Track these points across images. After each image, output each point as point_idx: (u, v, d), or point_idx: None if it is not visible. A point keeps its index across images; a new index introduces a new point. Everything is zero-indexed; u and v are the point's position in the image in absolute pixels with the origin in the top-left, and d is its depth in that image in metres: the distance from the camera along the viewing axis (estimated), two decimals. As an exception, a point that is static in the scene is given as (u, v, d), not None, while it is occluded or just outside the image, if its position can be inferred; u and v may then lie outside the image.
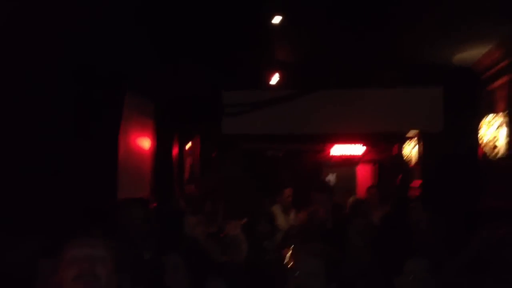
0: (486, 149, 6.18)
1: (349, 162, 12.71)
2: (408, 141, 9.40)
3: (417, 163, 8.88)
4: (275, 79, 7.54)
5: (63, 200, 4.07)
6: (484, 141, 6.21)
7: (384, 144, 11.41)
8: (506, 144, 5.80)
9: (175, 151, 7.77)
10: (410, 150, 9.22)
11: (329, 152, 12.50)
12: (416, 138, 8.97)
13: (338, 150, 12.33)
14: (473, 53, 6.25)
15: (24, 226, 3.52)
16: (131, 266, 3.08)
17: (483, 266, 3.34)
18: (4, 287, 2.98)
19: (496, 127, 5.99)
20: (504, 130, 5.85)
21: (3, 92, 3.60)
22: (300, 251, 3.58)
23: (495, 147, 6.00)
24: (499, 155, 5.92)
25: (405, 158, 9.50)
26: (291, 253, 4.36)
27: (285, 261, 4.48)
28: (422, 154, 8.59)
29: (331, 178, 12.90)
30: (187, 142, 8.59)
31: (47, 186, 4.01)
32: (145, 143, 6.76)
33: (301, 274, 3.02)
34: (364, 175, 12.83)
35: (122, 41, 4.90)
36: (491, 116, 6.13)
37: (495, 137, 6.01)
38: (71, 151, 4.42)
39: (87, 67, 4.57)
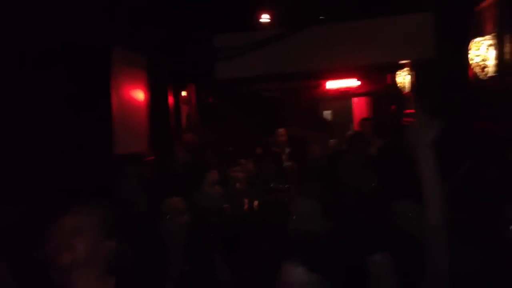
0: (477, 70, 6.21)
1: (345, 95, 12.71)
2: (400, 69, 9.39)
3: (410, 91, 8.90)
4: (265, 18, 7.47)
5: (59, 159, 4.16)
6: (474, 63, 6.23)
7: (378, 75, 11.39)
8: (495, 64, 5.84)
9: (170, 101, 7.77)
10: (403, 78, 9.23)
11: (325, 87, 12.50)
12: (408, 66, 8.96)
13: (333, 84, 12.33)
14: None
15: (21, 186, 3.61)
16: (126, 223, 3.15)
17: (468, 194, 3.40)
18: None
19: (485, 48, 6.00)
20: (492, 51, 5.87)
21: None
22: (295, 193, 3.58)
23: (484, 67, 6.03)
24: (489, 75, 5.96)
25: (398, 87, 9.51)
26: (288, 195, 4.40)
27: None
28: (415, 82, 8.61)
29: (327, 114, 12.95)
30: (182, 91, 8.59)
31: (43, 146, 4.09)
32: (140, 95, 6.77)
33: (298, 217, 3.01)
34: (360, 107, 12.85)
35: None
36: (480, 37, 6.12)
37: (484, 58, 6.03)
38: (63, 110, 4.47)
39: (73, 25, 4.55)
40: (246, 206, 4.88)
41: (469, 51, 6.31)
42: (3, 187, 3.46)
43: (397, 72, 9.49)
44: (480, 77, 6.12)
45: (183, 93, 8.66)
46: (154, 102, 7.06)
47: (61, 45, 4.36)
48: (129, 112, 6.18)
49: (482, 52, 6.07)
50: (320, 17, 7.59)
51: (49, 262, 2.08)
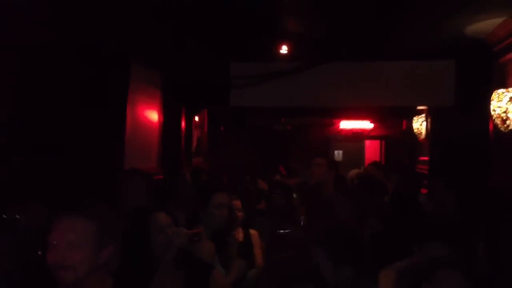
0: (497, 122, 6.09)
1: (358, 137, 12.64)
2: (417, 116, 9.30)
3: (425, 138, 8.79)
4: (284, 50, 7.44)
5: (71, 171, 4.08)
6: (496, 114, 6.12)
7: (393, 119, 11.32)
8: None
9: (183, 123, 7.73)
10: (419, 125, 9.13)
11: (338, 127, 12.44)
12: (425, 113, 8.88)
13: (347, 124, 12.26)
14: (487, 24, 6.11)
15: (32, 197, 3.53)
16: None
17: None
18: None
19: (507, 100, 5.90)
20: (515, 104, 5.77)
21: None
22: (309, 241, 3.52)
23: (506, 119, 5.92)
24: (510, 127, 5.85)
25: (414, 133, 9.41)
26: None
27: None
28: (431, 129, 8.50)
29: (338, 153, 12.87)
30: (195, 115, 8.54)
31: (56, 157, 4.02)
32: (153, 114, 6.72)
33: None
34: (372, 150, 12.76)
35: (127, 12, 4.84)
36: (502, 89, 6.03)
37: (506, 110, 5.92)
38: (79, 123, 4.41)
39: (93, 39, 4.52)
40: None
41: (491, 102, 6.21)
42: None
43: (413, 118, 9.40)
44: (501, 129, 6.00)
45: (196, 118, 8.61)
46: (167, 122, 7.02)
47: (84, 48, 4.31)
48: (142, 129, 6.11)
49: (504, 104, 5.96)
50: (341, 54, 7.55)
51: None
